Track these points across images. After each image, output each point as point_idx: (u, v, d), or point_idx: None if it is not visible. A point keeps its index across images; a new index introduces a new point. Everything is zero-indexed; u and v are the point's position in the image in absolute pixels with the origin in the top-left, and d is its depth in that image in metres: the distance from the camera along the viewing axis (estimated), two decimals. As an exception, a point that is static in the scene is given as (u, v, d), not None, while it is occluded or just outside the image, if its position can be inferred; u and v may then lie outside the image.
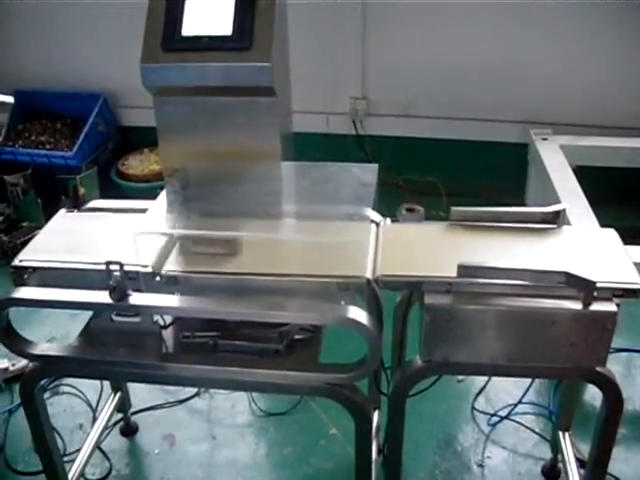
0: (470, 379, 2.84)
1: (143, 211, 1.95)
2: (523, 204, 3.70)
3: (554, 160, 3.38)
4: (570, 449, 2.31)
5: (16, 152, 4.14)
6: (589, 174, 3.24)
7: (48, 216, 2.09)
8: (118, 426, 2.69)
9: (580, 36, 3.79)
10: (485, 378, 2.78)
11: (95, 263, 1.73)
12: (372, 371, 1.75)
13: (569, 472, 2.23)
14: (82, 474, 2.33)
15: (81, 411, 2.78)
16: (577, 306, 1.58)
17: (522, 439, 2.60)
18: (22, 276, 1.80)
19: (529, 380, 2.70)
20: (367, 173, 2.08)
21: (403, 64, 4.05)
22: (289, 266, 1.72)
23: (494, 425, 2.66)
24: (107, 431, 2.59)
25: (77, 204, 2.13)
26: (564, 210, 1.89)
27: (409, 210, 1.94)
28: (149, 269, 1.71)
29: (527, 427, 2.64)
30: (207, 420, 2.75)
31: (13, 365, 2.87)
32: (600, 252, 1.78)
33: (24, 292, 1.74)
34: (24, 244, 1.94)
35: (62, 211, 2.10)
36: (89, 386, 2.81)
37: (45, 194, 3.88)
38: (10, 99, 3.81)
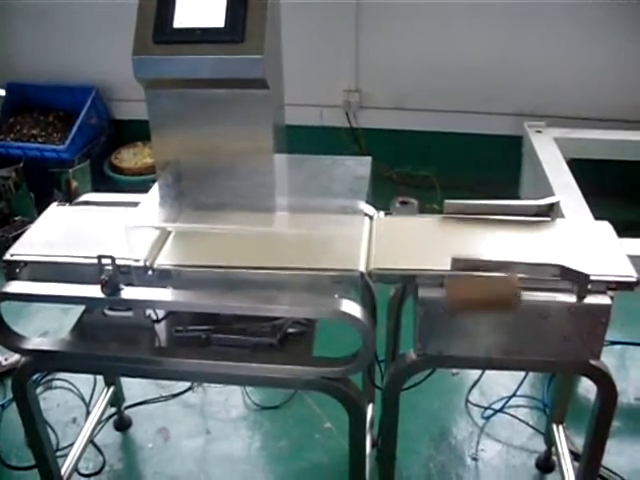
0: (464, 372, 2.83)
1: (136, 205, 1.94)
2: (517, 197, 3.70)
3: (548, 153, 3.38)
4: (564, 442, 2.31)
5: (8, 145, 4.11)
6: (583, 167, 3.23)
7: (40, 210, 2.08)
8: (112, 420, 2.68)
9: (574, 29, 3.79)
10: (479, 371, 2.78)
11: (87, 257, 1.72)
12: (366, 365, 1.74)
13: (563, 465, 2.23)
14: (75, 468, 2.33)
15: (74, 405, 2.77)
16: (571, 299, 1.58)
17: (516, 432, 2.61)
18: (14, 270, 1.78)
19: (523, 373, 2.70)
20: (361, 166, 2.08)
21: (397, 57, 4.04)
22: (282, 259, 1.71)
23: (488, 418, 2.66)
24: (100, 425, 2.59)
25: (69, 198, 2.12)
26: (558, 203, 1.89)
27: (403, 203, 1.94)
28: (141, 263, 1.70)
29: (521, 420, 2.65)
30: (201, 414, 2.74)
31: (5, 359, 2.87)
32: (594, 245, 1.78)
33: (16, 286, 1.73)
34: (16, 238, 1.92)
35: (54, 205, 2.09)
36: (82, 380, 2.80)
37: (37, 188, 3.86)
38: (1, 92, 3.80)
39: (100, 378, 2.71)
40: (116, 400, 2.62)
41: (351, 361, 1.66)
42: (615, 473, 2.38)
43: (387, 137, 4.22)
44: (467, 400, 2.74)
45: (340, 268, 1.67)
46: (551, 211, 1.88)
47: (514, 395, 2.70)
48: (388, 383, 1.78)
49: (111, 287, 1.64)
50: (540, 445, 2.50)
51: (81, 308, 1.93)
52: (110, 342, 1.80)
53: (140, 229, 1.82)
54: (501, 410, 2.68)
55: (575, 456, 2.29)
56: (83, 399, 2.77)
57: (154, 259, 1.73)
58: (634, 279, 1.62)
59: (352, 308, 1.58)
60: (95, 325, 1.85)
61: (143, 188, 2.03)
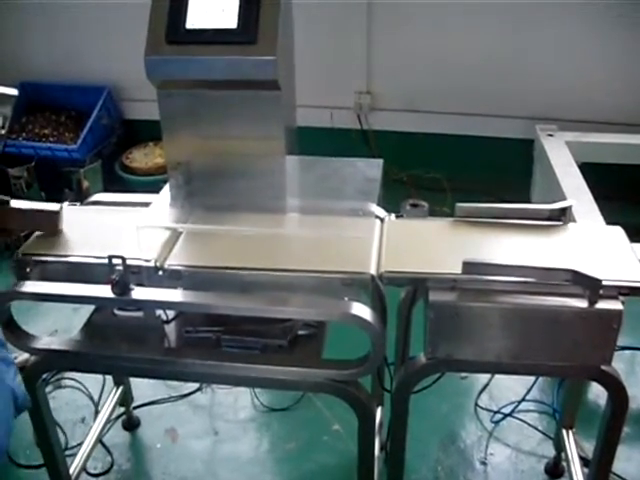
0: (474, 376, 2.82)
1: (146, 205, 1.94)
2: (528, 200, 3.69)
3: (560, 156, 3.36)
4: (574, 447, 2.30)
5: (20, 145, 4.12)
6: (595, 171, 3.22)
7: (51, 210, 2.08)
8: (120, 420, 2.69)
9: (587, 32, 3.77)
10: (488, 375, 2.77)
11: (98, 257, 1.72)
12: (375, 368, 1.73)
13: (572, 470, 2.22)
14: (84, 468, 2.33)
15: (83, 405, 2.77)
16: (583, 304, 1.57)
17: (525, 437, 2.60)
18: (24, 269, 1.79)
19: (533, 377, 2.69)
20: (372, 168, 2.07)
21: (408, 59, 4.04)
22: (293, 261, 1.71)
23: (497, 422, 2.65)
24: (109, 425, 2.59)
25: (80, 197, 2.12)
26: (570, 207, 1.88)
27: (413, 206, 1.93)
28: (152, 263, 1.70)
29: (530, 425, 2.63)
30: (209, 415, 2.74)
31: (15, 358, 2.85)
32: (606, 249, 1.77)
33: (26, 285, 1.73)
34: (27, 237, 1.93)
35: (65, 204, 2.09)
36: (91, 380, 2.81)
37: (49, 187, 3.87)
38: (14, 91, 3.79)
39: (109, 378, 2.71)
40: (125, 400, 2.62)
41: (361, 364, 1.65)
42: None
43: (398, 139, 4.21)
44: (476, 404, 2.73)
45: (350, 270, 1.67)
46: (563, 215, 1.87)
47: (523, 399, 2.69)
48: (397, 386, 1.78)
49: (121, 287, 1.64)
50: (549, 450, 2.49)
51: (91, 308, 1.93)
52: (120, 342, 1.79)
53: (151, 229, 1.82)
54: (510, 414, 2.67)
55: (585, 462, 2.28)
56: (92, 399, 2.78)
57: (164, 259, 1.73)
58: (646, 284, 1.61)
59: (362, 311, 1.58)
60: (105, 325, 1.85)
61: (154, 188, 2.03)
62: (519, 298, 1.61)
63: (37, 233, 1.91)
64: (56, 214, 1.83)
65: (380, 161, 2.10)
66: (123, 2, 3.96)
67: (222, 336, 1.81)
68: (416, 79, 4.09)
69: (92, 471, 2.47)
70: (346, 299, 1.63)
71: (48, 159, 4.04)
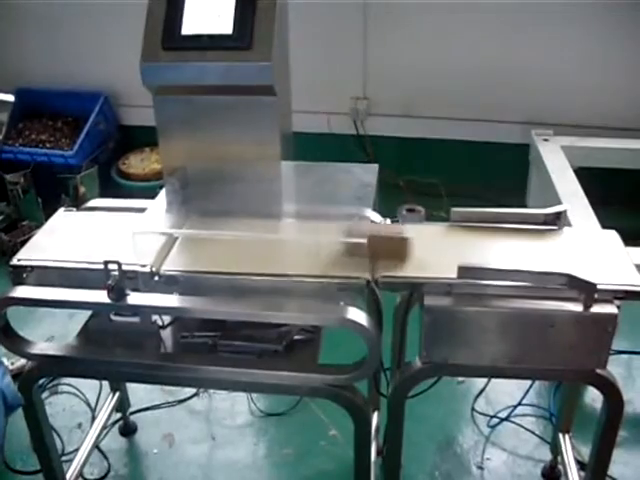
0: (470, 380, 2.83)
1: (143, 210, 1.94)
2: (524, 205, 3.70)
3: (555, 161, 3.38)
4: (570, 451, 2.30)
5: (16, 151, 4.13)
6: (590, 175, 3.23)
7: (48, 215, 2.09)
8: (117, 426, 2.69)
9: (582, 37, 3.78)
10: (485, 379, 2.77)
11: (94, 262, 1.72)
12: (371, 372, 1.74)
13: (569, 474, 2.22)
14: (80, 474, 2.33)
15: (80, 410, 2.77)
16: (578, 308, 1.58)
17: (522, 441, 2.60)
18: (20, 275, 1.79)
19: (529, 382, 2.69)
20: (367, 173, 2.07)
21: (405, 64, 4.04)
22: (289, 266, 1.71)
23: (494, 427, 2.65)
24: (106, 431, 2.59)
25: (77, 203, 2.12)
26: (565, 211, 1.88)
27: (410, 211, 1.93)
28: (148, 269, 1.71)
29: (527, 429, 2.64)
30: (206, 420, 2.74)
31: (12, 364, 2.86)
32: (601, 254, 1.78)
33: (22, 291, 1.73)
34: (24, 243, 1.93)
35: (61, 210, 2.09)
36: (88, 385, 2.80)
37: (45, 193, 3.86)
38: (10, 97, 3.80)
39: (106, 383, 2.71)
40: (122, 405, 2.62)
41: (357, 369, 1.66)
42: (621, 483, 2.37)
43: (394, 144, 4.21)
44: (473, 408, 2.73)
45: (346, 275, 1.67)
46: (558, 220, 1.87)
47: (520, 404, 2.69)
48: (393, 391, 1.78)
49: (117, 292, 1.64)
50: (546, 454, 2.49)
51: (87, 313, 1.93)
52: (116, 347, 1.79)
53: (147, 235, 1.82)
54: (507, 419, 2.67)
55: (581, 465, 2.28)
56: (89, 404, 2.77)
57: (160, 265, 1.73)
58: (641, 288, 1.61)
59: (358, 316, 1.58)
60: (101, 330, 1.85)
61: (150, 194, 2.03)
62: (514, 302, 1.61)
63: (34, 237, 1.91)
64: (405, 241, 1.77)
65: (375, 166, 2.10)
66: (119, 8, 3.97)
67: (218, 341, 1.81)
68: (412, 84, 4.09)
69: (89, 477, 2.47)
70: (342, 304, 1.64)
71: (45, 165, 4.04)
